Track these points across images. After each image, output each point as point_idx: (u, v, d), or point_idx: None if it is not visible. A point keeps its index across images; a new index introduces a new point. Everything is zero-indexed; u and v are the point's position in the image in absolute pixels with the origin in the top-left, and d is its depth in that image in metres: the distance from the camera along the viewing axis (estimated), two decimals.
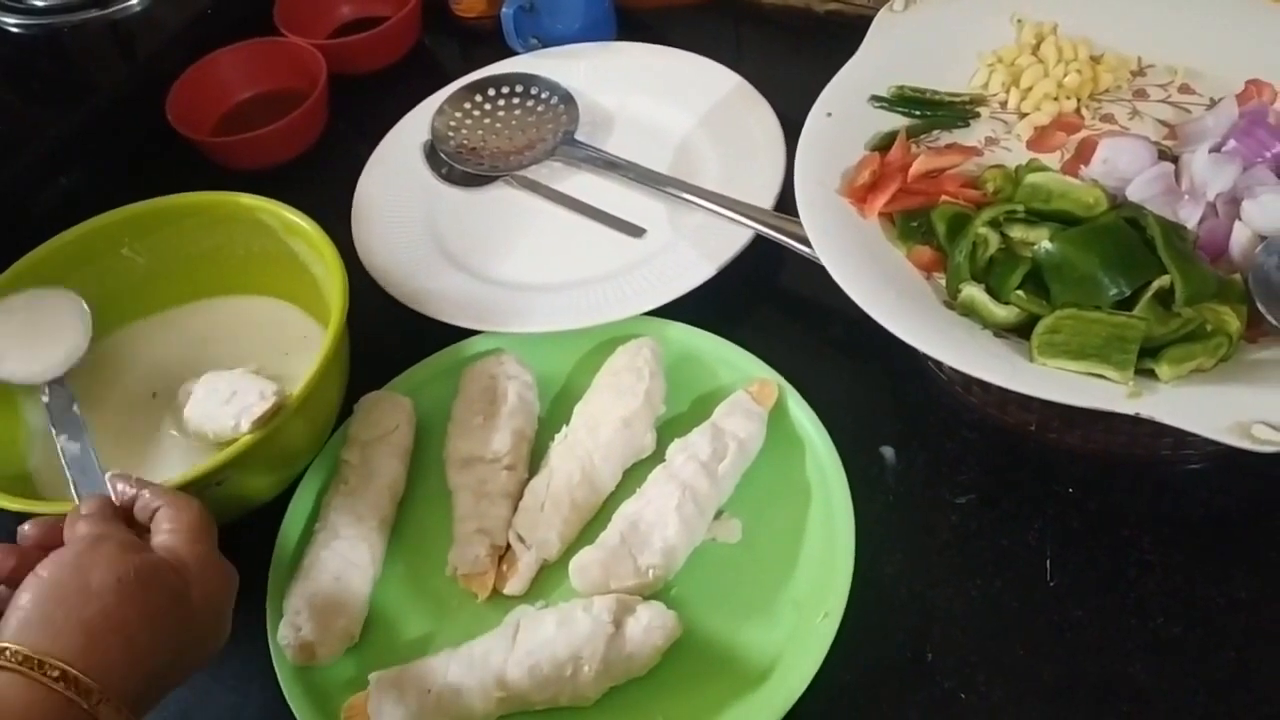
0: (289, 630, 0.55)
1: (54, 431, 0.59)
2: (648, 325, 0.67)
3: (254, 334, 0.70)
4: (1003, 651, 0.54)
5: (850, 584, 0.54)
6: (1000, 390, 0.52)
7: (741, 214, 0.69)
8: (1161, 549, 0.56)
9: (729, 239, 0.69)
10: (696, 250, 0.69)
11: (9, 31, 0.90)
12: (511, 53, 0.86)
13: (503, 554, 0.59)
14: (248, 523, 0.61)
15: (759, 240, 0.68)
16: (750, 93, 0.79)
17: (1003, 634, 0.54)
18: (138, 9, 0.89)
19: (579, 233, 0.75)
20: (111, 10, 0.89)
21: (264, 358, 0.68)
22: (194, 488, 0.55)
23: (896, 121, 0.66)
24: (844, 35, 0.71)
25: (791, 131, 0.69)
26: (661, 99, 0.81)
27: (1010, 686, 0.53)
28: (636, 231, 0.74)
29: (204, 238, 0.70)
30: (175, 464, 0.63)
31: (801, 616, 0.54)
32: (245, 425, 0.57)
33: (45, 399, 0.61)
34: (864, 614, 0.54)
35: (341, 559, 0.57)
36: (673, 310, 0.67)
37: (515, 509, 0.60)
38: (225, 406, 0.59)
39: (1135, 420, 0.49)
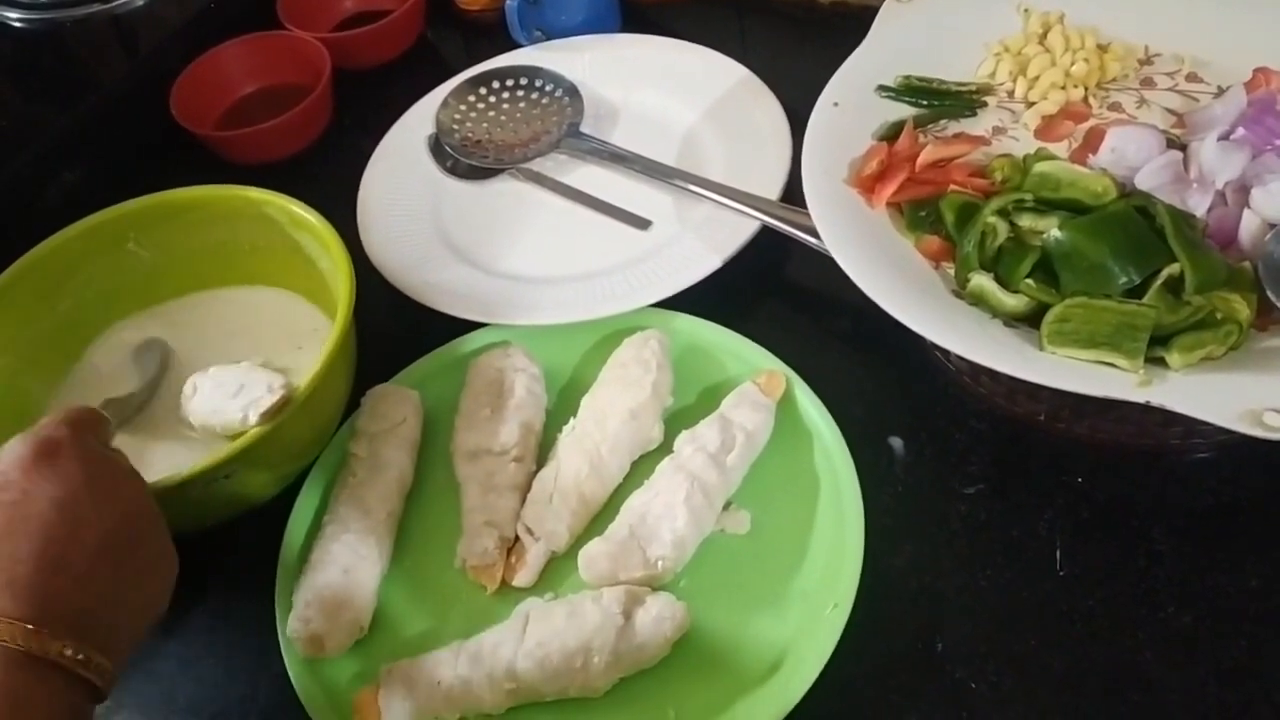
0: (298, 623, 0.55)
1: None
2: (654, 317, 0.66)
3: (261, 326, 0.70)
4: (1013, 641, 0.54)
5: (859, 575, 0.54)
6: (1009, 380, 0.52)
7: (748, 205, 0.69)
8: (1171, 538, 0.56)
9: (735, 230, 0.69)
10: (703, 242, 0.69)
11: (12, 26, 0.90)
12: (515, 45, 0.86)
13: (511, 546, 0.59)
14: (256, 516, 0.61)
15: (766, 231, 0.68)
16: (756, 84, 0.78)
17: (1013, 624, 0.54)
18: (140, 3, 0.89)
19: (585, 225, 0.75)
20: (114, 5, 0.88)
21: (271, 350, 0.68)
22: (202, 481, 0.55)
23: (903, 111, 0.66)
24: (849, 26, 0.71)
25: (797, 123, 0.69)
26: (666, 91, 0.81)
27: (1021, 676, 0.53)
28: (642, 224, 0.74)
29: (209, 232, 0.70)
30: (183, 458, 0.63)
31: (811, 607, 0.54)
32: (253, 418, 0.57)
33: None
34: (874, 605, 0.54)
35: (350, 552, 0.57)
36: (679, 302, 0.66)
37: (523, 501, 0.60)
38: (233, 400, 0.58)
39: (1145, 409, 0.49)
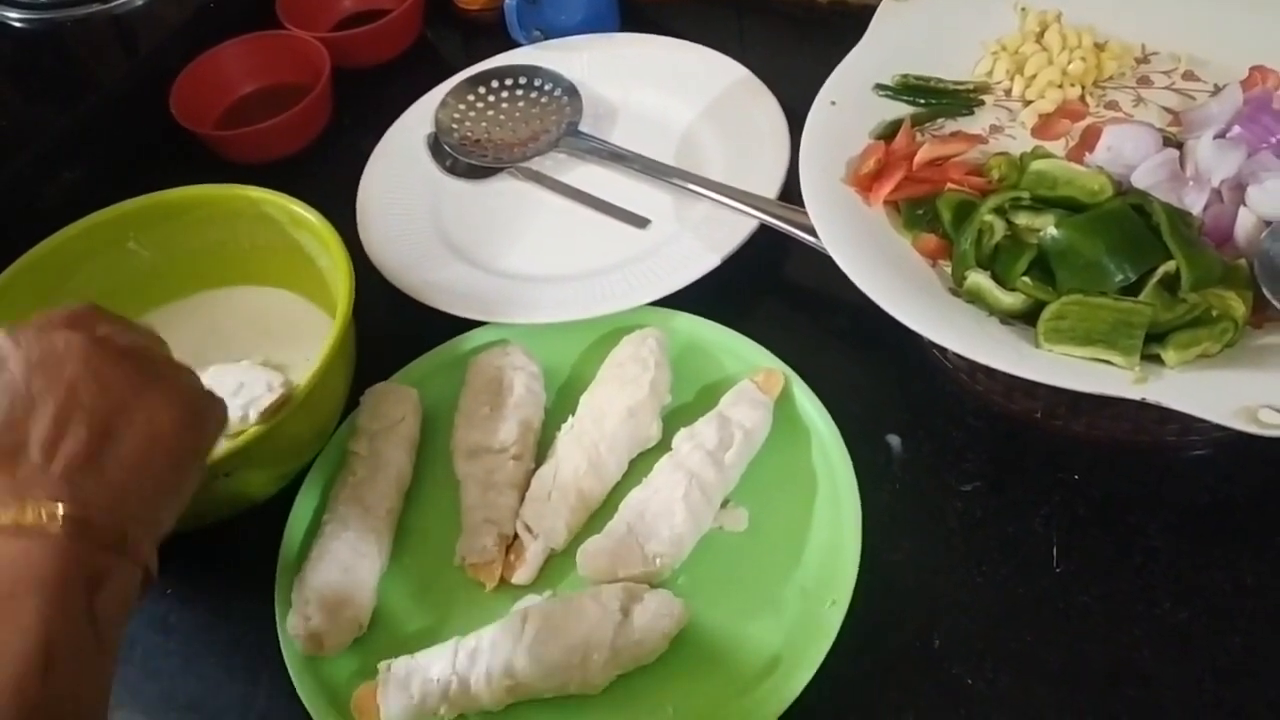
0: (298, 621, 0.56)
1: None
2: (653, 315, 0.67)
3: (261, 325, 0.71)
4: (1010, 638, 0.54)
5: (857, 572, 0.54)
6: (1006, 377, 0.53)
7: (746, 204, 0.69)
8: (1167, 535, 0.56)
9: (734, 229, 0.69)
10: (701, 240, 0.70)
11: (12, 26, 0.90)
12: (514, 45, 0.86)
13: (510, 544, 0.59)
14: (256, 514, 0.61)
15: (764, 230, 0.68)
16: (754, 83, 0.79)
17: (1010, 620, 0.55)
18: (140, 3, 0.89)
19: (584, 224, 0.75)
20: (114, 5, 0.89)
21: (271, 349, 0.68)
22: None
23: (901, 110, 0.66)
24: (847, 25, 0.71)
25: (796, 121, 0.69)
26: (665, 90, 0.81)
27: (1018, 672, 0.53)
28: (641, 222, 0.74)
29: (209, 231, 0.70)
30: None
31: (809, 604, 0.55)
32: (253, 416, 0.57)
33: None
34: (871, 601, 0.54)
35: (349, 549, 0.57)
36: (678, 300, 0.67)
37: (522, 499, 0.60)
38: (233, 398, 0.59)
39: (1141, 406, 0.50)
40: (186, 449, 0.46)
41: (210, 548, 0.62)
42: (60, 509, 0.40)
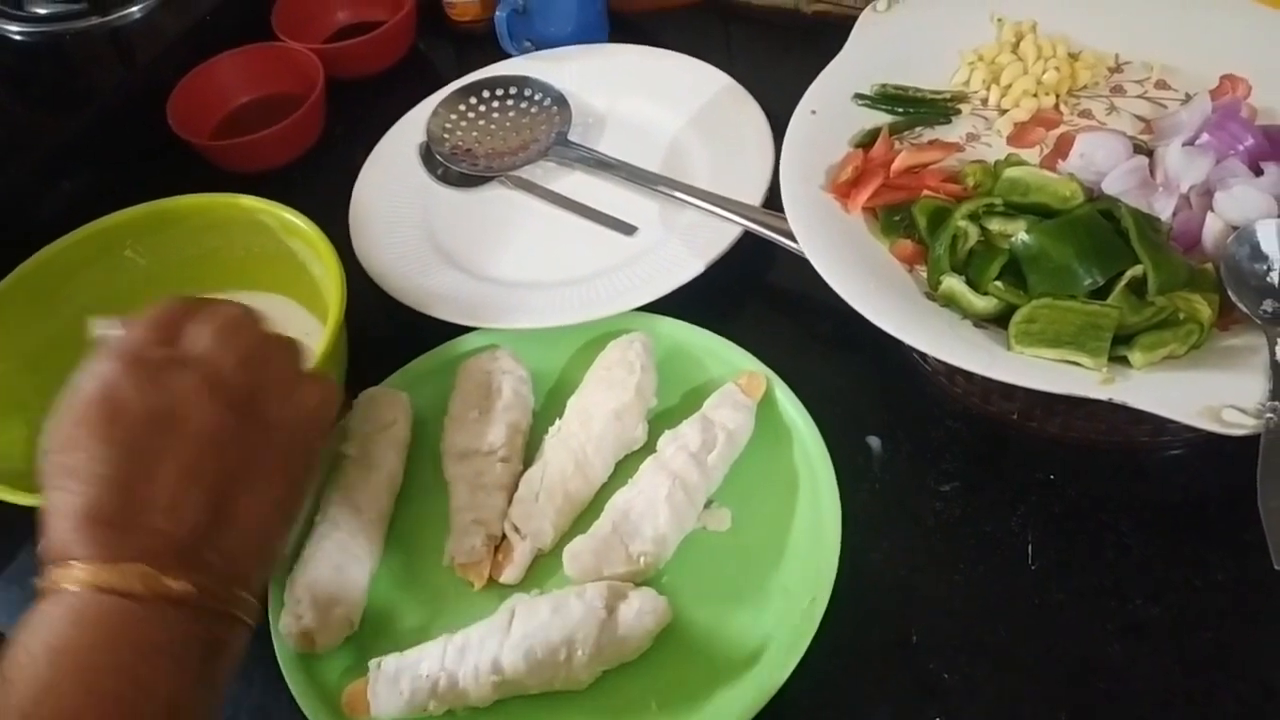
0: (290, 619, 0.57)
1: None
2: (639, 320, 0.68)
3: None
4: (985, 633, 0.55)
5: (837, 570, 0.55)
6: (983, 380, 0.54)
7: (731, 211, 0.71)
8: (1140, 533, 0.57)
9: (719, 235, 0.70)
10: (687, 247, 0.71)
11: (11, 39, 0.91)
12: (505, 55, 0.88)
13: (498, 544, 0.60)
14: None
15: (748, 236, 0.70)
16: (739, 92, 0.80)
17: (985, 616, 0.56)
18: (138, 16, 0.91)
19: (572, 231, 0.76)
20: (112, 17, 0.90)
21: None
22: None
23: (880, 119, 0.67)
24: (831, 35, 0.73)
25: (780, 130, 0.70)
26: (652, 99, 0.83)
27: (992, 667, 0.54)
28: (628, 229, 0.75)
29: (205, 238, 0.72)
30: None
31: (789, 601, 0.56)
32: None
33: None
34: (850, 598, 0.55)
35: (341, 549, 0.59)
36: (664, 305, 0.68)
37: (510, 500, 0.61)
38: None
39: (1114, 408, 0.51)
40: (299, 500, 0.45)
41: None
42: (187, 581, 0.40)
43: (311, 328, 0.71)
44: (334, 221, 0.73)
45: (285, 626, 0.57)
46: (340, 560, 0.58)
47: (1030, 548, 0.58)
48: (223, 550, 0.42)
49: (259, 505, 0.43)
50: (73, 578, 0.40)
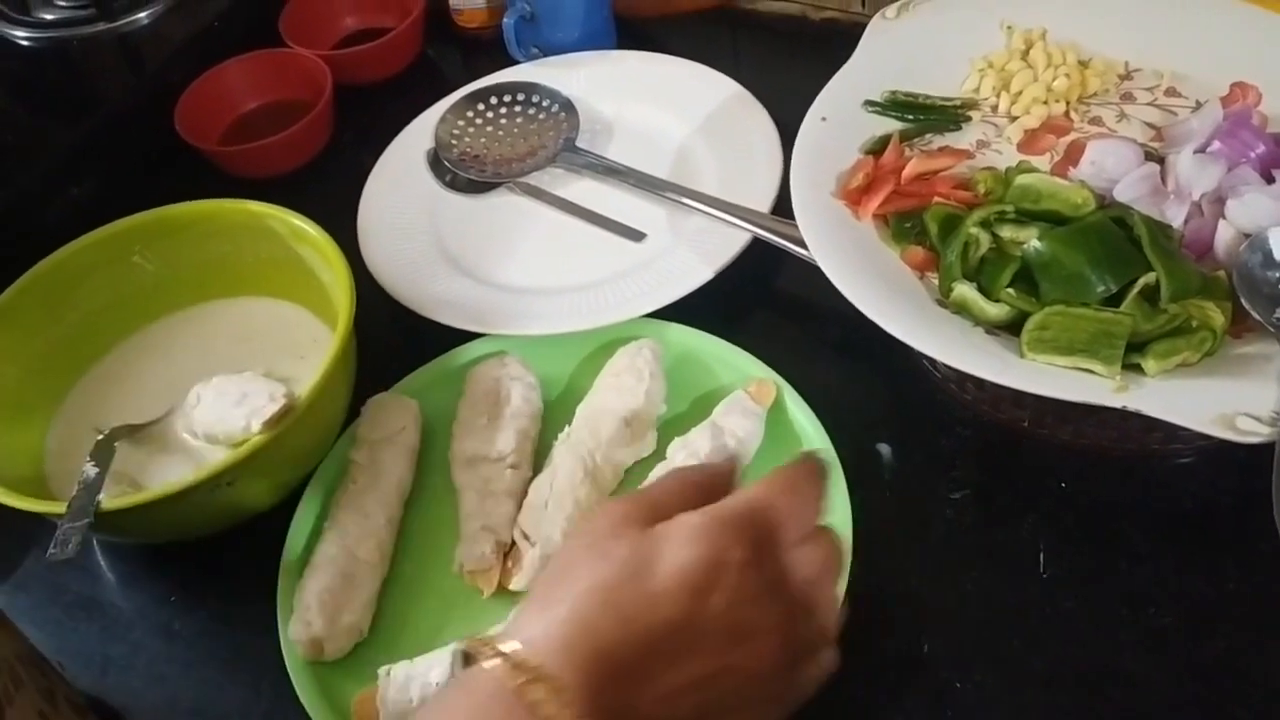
0: (299, 626, 0.57)
1: (88, 459, 0.60)
2: (648, 327, 0.68)
3: (264, 337, 0.72)
4: (997, 642, 0.55)
5: (848, 578, 0.55)
6: (994, 387, 0.54)
7: (739, 217, 0.71)
8: (1152, 541, 0.57)
9: (727, 242, 0.70)
10: (695, 253, 0.71)
11: (19, 45, 0.91)
12: (513, 62, 0.88)
13: (508, 551, 0.60)
14: (258, 522, 0.62)
15: (757, 243, 0.69)
16: (747, 99, 0.80)
17: (997, 625, 0.56)
18: (146, 22, 0.91)
19: (580, 237, 0.76)
20: (120, 23, 0.90)
21: (274, 360, 0.69)
22: (205, 488, 0.57)
23: (890, 125, 0.67)
24: (839, 42, 0.73)
25: (788, 136, 0.70)
26: (660, 106, 0.83)
27: (1005, 676, 0.54)
28: (637, 236, 0.75)
29: (213, 244, 0.72)
30: (186, 465, 0.65)
31: None
32: (256, 426, 0.58)
33: (100, 436, 0.63)
34: (861, 607, 0.54)
35: (350, 556, 0.59)
36: (673, 312, 0.68)
37: (520, 507, 0.61)
38: (236, 409, 0.60)
39: (1125, 415, 0.51)
40: None
41: (213, 556, 0.64)
42: None
43: (320, 334, 0.71)
44: (342, 228, 0.73)
45: (294, 634, 0.57)
46: (349, 567, 0.58)
47: (1042, 556, 0.57)
48: None
49: None
50: (539, 689, 0.36)
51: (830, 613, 0.43)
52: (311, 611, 0.57)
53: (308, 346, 0.70)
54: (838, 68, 0.70)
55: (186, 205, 0.71)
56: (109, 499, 0.58)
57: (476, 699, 0.37)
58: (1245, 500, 0.58)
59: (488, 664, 0.38)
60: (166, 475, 0.64)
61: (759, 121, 0.78)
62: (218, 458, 0.59)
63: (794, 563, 0.41)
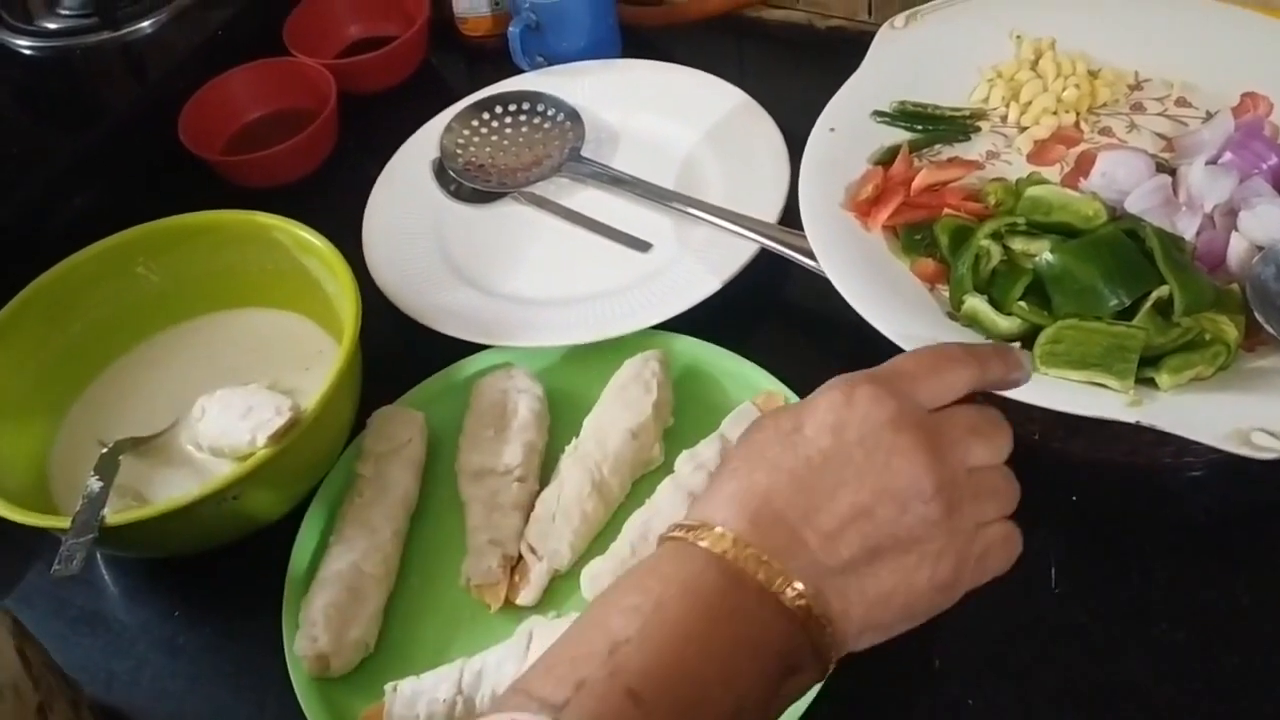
0: (305, 641, 0.56)
1: (92, 473, 0.60)
2: (655, 339, 0.68)
3: (269, 349, 0.71)
4: (1008, 657, 0.55)
5: None
6: (1004, 400, 0.53)
7: (747, 228, 0.70)
8: (1164, 555, 0.57)
9: (734, 253, 0.70)
10: (702, 264, 0.70)
11: (22, 54, 0.91)
12: (518, 71, 0.88)
13: (515, 565, 0.60)
14: (263, 536, 0.62)
15: (764, 254, 0.69)
16: (754, 108, 0.80)
17: (1008, 639, 0.55)
18: (149, 31, 0.90)
19: (586, 248, 0.76)
20: (123, 32, 0.90)
21: (279, 372, 0.69)
22: (211, 501, 0.56)
23: (899, 136, 0.67)
24: (846, 50, 0.72)
25: (795, 146, 0.70)
26: (666, 115, 0.82)
27: (1016, 692, 0.53)
28: (643, 246, 0.75)
29: (218, 255, 0.71)
30: (191, 479, 0.64)
31: None
32: (261, 440, 0.58)
33: (104, 450, 0.63)
34: None
35: (355, 571, 0.58)
36: (680, 323, 0.68)
37: (527, 520, 0.61)
38: (241, 422, 0.60)
39: (1137, 429, 0.50)
40: (926, 610, 0.43)
41: (218, 570, 0.63)
42: (808, 600, 0.39)
43: (326, 345, 0.70)
44: (347, 238, 0.73)
45: (300, 649, 0.56)
46: (355, 582, 0.58)
47: (1053, 570, 0.57)
48: (846, 595, 0.40)
49: (898, 583, 0.41)
50: (708, 536, 0.39)
51: (1002, 487, 0.44)
52: (318, 627, 0.56)
53: (313, 358, 0.70)
54: (845, 76, 0.69)
55: (190, 216, 0.70)
56: (113, 513, 0.57)
57: (652, 561, 0.40)
58: (1257, 513, 0.58)
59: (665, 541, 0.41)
60: (171, 488, 0.64)
61: (765, 131, 0.78)
62: (223, 471, 0.59)
63: (943, 419, 0.43)
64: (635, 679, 0.36)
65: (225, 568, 0.63)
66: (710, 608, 0.38)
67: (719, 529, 0.39)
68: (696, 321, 0.67)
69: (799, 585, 0.38)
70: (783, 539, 0.39)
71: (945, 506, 0.41)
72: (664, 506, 0.58)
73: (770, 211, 0.72)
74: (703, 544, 0.39)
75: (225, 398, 0.63)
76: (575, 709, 0.35)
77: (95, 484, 0.59)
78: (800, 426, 0.42)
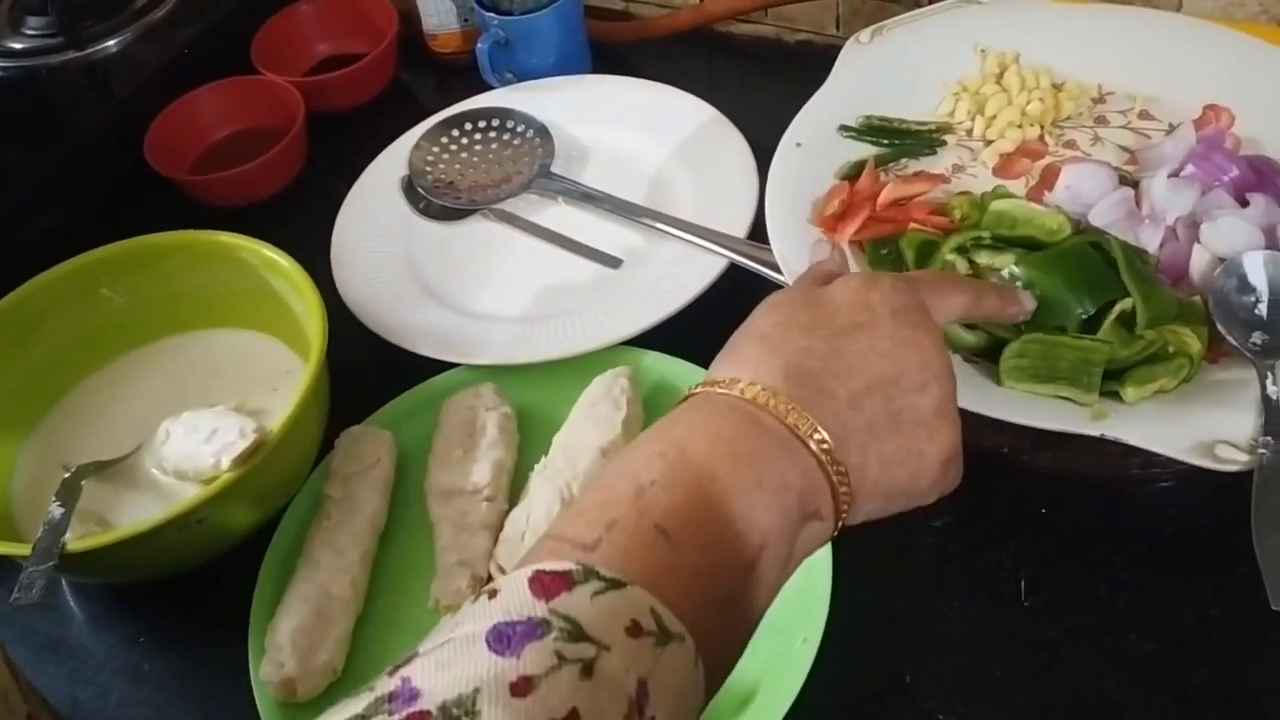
0: (271, 666, 0.55)
1: (54, 499, 0.59)
2: (625, 355, 0.67)
3: (237, 369, 0.71)
4: (980, 672, 0.55)
5: (828, 609, 0.55)
6: (973, 413, 0.53)
7: (716, 243, 0.70)
8: (1133, 567, 0.57)
9: (704, 268, 0.70)
10: (672, 279, 0.70)
11: None
12: (488, 87, 0.87)
13: (484, 585, 0.59)
14: (230, 559, 0.61)
15: (734, 269, 0.69)
16: (723, 123, 0.80)
17: (979, 655, 0.55)
18: (115, 50, 0.90)
19: (556, 264, 0.76)
20: (89, 51, 0.89)
21: (247, 393, 0.68)
22: (175, 525, 0.55)
23: (865, 150, 0.67)
24: (814, 64, 0.72)
25: (765, 160, 0.70)
26: (636, 131, 0.82)
27: (987, 707, 0.53)
28: (613, 262, 0.75)
29: (184, 276, 0.71)
30: (156, 503, 0.63)
31: (780, 642, 0.55)
32: (226, 463, 0.57)
33: (66, 474, 0.62)
34: (843, 638, 0.54)
35: (323, 594, 0.58)
36: (650, 339, 0.67)
37: (496, 540, 0.60)
38: (205, 445, 0.59)
39: (1104, 440, 0.50)
40: (927, 487, 0.45)
41: (184, 595, 0.63)
42: (832, 445, 0.40)
43: (293, 365, 0.70)
44: (316, 256, 0.72)
45: (266, 675, 0.56)
46: (322, 604, 0.57)
47: (1023, 584, 0.57)
48: (866, 450, 0.41)
49: (917, 449, 0.43)
50: (736, 388, 0.40)
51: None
52: (284, 652, 0.56)
53: (280, 379, 0.69)
54: (814, 90, 0.70)
55: (155, 237, 0.70)
56: (75, 540, 0.57)
57: (676, 412, 0.41)
58: (1225, 523, 0.58)
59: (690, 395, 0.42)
60: (136, 513, 0.63)
61: (735, 146, 0.78)
62: (188, 495, 0.59)
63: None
64: (662, 516, 0.36)
65: (192, 592, 0.62)
66: (734, 448, 0.38)
67: (747, 380, 0.41)
68: (667, 337, 0.67)
69: (824, 431, 0.40)
70: (813, 392, 0.41)
71: (952, 391, 0.44)
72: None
73: (740, 226, 0.72)
74: (730, 394, 0.40)
75: (190, 420, 0.62)
76: (607, 547, 0.35)
77: (57, 510, 0.58)
78: (831, 298, 0.44)
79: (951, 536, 0.59)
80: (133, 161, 0.83)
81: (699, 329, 0.68)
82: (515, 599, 0.33)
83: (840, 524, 0.42)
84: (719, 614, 0.37)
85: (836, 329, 0.43)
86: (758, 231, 0.70)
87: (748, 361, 0.42)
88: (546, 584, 0.34)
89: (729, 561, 0.37)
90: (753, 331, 0.44)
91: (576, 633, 0.32)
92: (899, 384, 0.42)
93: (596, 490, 0.39)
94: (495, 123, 0.84)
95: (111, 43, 0.90)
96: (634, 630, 0.33)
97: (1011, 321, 0.54)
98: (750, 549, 0.38)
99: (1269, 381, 0.51)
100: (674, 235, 0.72)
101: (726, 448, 0.39)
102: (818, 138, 0.67)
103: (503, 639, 0.32)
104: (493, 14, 0.84)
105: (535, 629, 0.32)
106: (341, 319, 0.70)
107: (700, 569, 0.36)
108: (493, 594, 0.34)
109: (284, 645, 0.56)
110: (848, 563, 0.56)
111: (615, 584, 0.34)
